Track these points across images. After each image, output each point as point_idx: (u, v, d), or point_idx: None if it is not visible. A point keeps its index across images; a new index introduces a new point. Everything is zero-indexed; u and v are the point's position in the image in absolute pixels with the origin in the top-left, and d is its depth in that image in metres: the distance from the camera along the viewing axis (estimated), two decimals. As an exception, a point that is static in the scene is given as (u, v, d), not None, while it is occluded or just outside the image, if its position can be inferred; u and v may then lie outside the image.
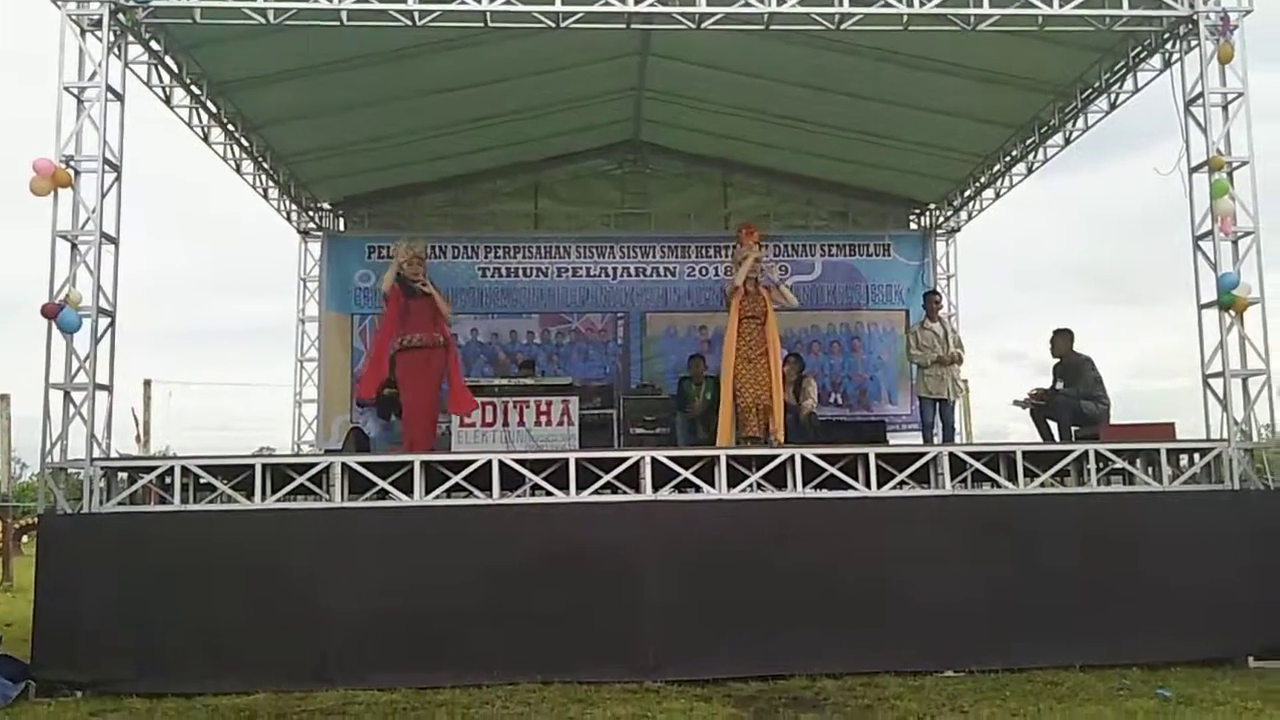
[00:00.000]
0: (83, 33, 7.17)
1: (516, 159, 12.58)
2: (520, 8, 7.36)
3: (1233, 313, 7.33)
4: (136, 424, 17.97)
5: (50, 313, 6.83)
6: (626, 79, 11.01)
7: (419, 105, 10.45)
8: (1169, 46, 8.12)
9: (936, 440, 10.37)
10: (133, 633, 6.53)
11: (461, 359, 12.01)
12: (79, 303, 6.93)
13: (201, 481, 7.04)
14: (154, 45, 8.17)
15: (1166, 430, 7.64)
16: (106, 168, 7.14)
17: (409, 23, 7.39)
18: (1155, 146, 8.55)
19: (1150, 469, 7.41)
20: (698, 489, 7.09)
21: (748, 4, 7.45)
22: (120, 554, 6.67)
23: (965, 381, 10.46)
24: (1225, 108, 7.54)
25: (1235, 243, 7.42)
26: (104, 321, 7.10)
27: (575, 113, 11.52)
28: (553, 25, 7.49)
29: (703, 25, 7.58)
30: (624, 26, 7.73)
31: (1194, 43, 7.63)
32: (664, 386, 11.81)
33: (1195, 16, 7.54)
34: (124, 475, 7.11)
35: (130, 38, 7.53)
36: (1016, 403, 9.47)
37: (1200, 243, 7.56)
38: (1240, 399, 7.34)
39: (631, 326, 12.74)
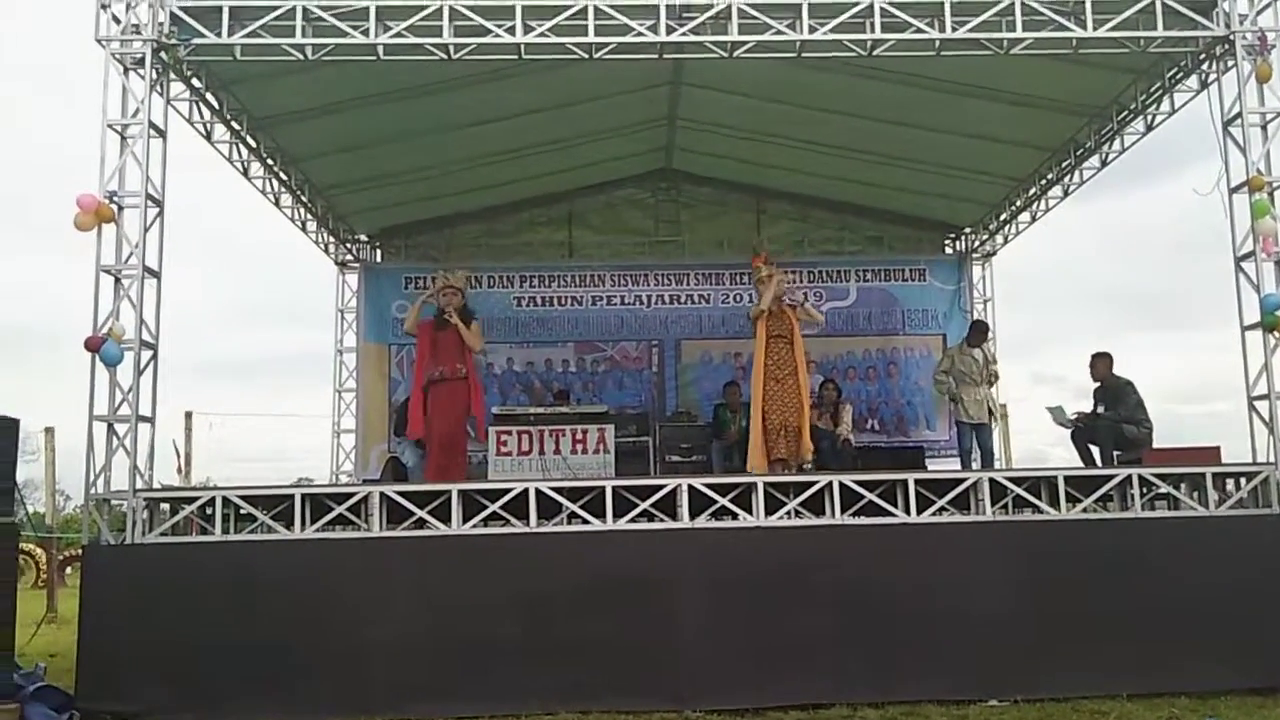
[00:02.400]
0: (126, 70, 7.32)
1: (550, 189, 12.68)
2: (554, 40, 7.44)
3: (1277, 334, 7.22)
4: (178, 455, 18.16)
5: (93, 346, 6.93)
6: (659, 108, 11.07)
7: (454, 138, 10.57)
8: (1205, 67, 8.06)
9: (975, 465, 10.27)
10: (175, 663, 6.57)
11: (498, 388, 12.16)
12: (122, 336, 7.02)
13: (242, 512, 7.09)
14: (195, 82, 8.31)
15: (1211, 454, 7.51)
16: (149, 203, 7.25)
17: (444, 57, 7.48)
18: (1194, 168, 8.47)
19: (1195, 494, 7.29)
20: (735, 516, 7.06)
21: (779, 32, 7.48)
22: (163, 585, 6.72)
23: (1004, 406, 10.34)
24: (1264, 127, 7.46)
25: (1277, 263, 7.32)
26: (146, 354, 7.19)
27: (608, 142, 11.61)
28: (586, 56, 7.56)
29: (735, 54, 7.62)
30: (656, 56, 7.79)
31: (1230, 63, 7.56)
32: (699, 414, 11.79)
33: (1231, 36, 7.48)
34: (166, 506, 7.17)
35: (172, 75, 7.67)
36: (1051, 412, 9.36)
37: (1242, 264, 7.47)
38: (1286, 422, 7.22)
39: (666, 354, 12.76)
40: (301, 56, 7.46)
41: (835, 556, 6.90)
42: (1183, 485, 7.31)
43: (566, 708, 6.44)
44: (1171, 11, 7.53)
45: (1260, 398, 7.30)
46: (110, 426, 7.00)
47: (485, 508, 6.99)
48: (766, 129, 11.10)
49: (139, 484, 6.96)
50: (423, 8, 7.32)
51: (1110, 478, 7.39)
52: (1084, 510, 7.20)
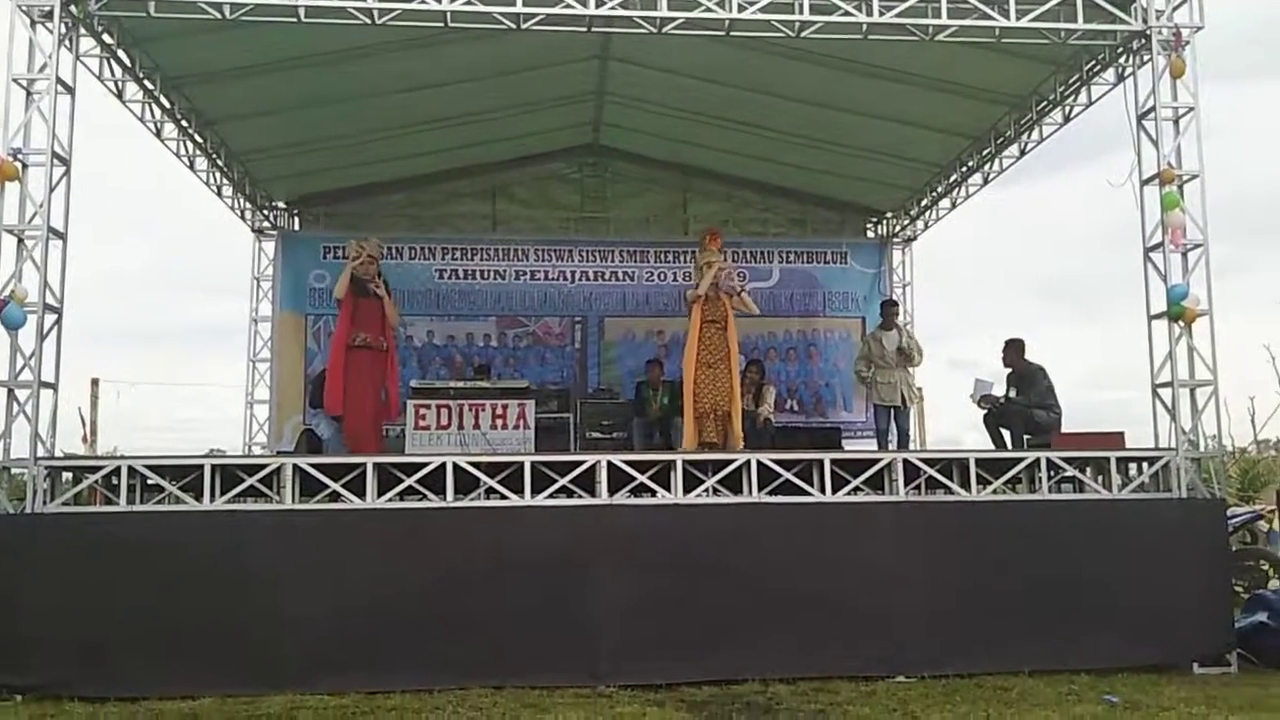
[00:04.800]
0: (33, 24, 7.03)
1: (475, 160, 12.53)
2: (481, 8, 7.32)
3: (1182, 324, 7.44)
4: (83, 424, 17.64)
5: (-6, 308, 6.69)
6: (587, 83, 10.99)
7: (377, 104, 10.36)
8: (1122, 61, 8.24)
9: (891, 447, 10.43)
10: (76, 635, 6.39)
11: (418, 361, 12.02)
12: (24, 298, 6.79)
13: (149, 482, 6.92)
14: (106, 38, 8.03)
15: (1116, 439, 7.73)
16: (55, 161, 7.00)
17: (368, 21, 7.32)
18: (1108, 159, 8.67)
19: (1100, 477, 7.49)
20: (654, 493, 7.08)
21: (708, 10, 7.47)
22: (64, 555, 6.53)
23: (919, 389, 10.49)
24: (1176, 122, 7.65)
25: (1185, 255, 7.53)
26: (50, 318, 6.96)
27: (535, 115, 11.49)
28: (513, 27, 7.46)
29: (663, 29, 7.59)
30: (585, 30, 7.72)
31: (1147, 57, 7.74)
32: (621, 391, 11.79)
33: (1148, 31, 7.65)
34: (69, 475, 6.98)
35: (82, 30, 7.40)
36: (973, 399, 9.54)
37: (1151, 254, 7.67)
38: (1188, 409, 7.45)
39: (589, 330, 12.74)
40: (219, 16, 7.23)
41: (752, 534, 6.97)
42: (1088, 469, 7.51)
43: (480, 683, 6.41)
44: (1091, 5, 7.68)
45: (1164, 385, 7.52)
46: (11, 392, 6.77)
47: (401, 481, 6.92)
48: (694, 107, 11.09)
49: (40, 452, 6.75)
50: (346, -30, 7.16)
51: (1020, 461, 7.57)
52: (994, 492, 7.36)
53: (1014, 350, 9.57)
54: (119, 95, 8.89)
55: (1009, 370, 9.56)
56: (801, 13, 7.49)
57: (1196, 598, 7.03)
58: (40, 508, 6.66)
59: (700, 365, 8.62)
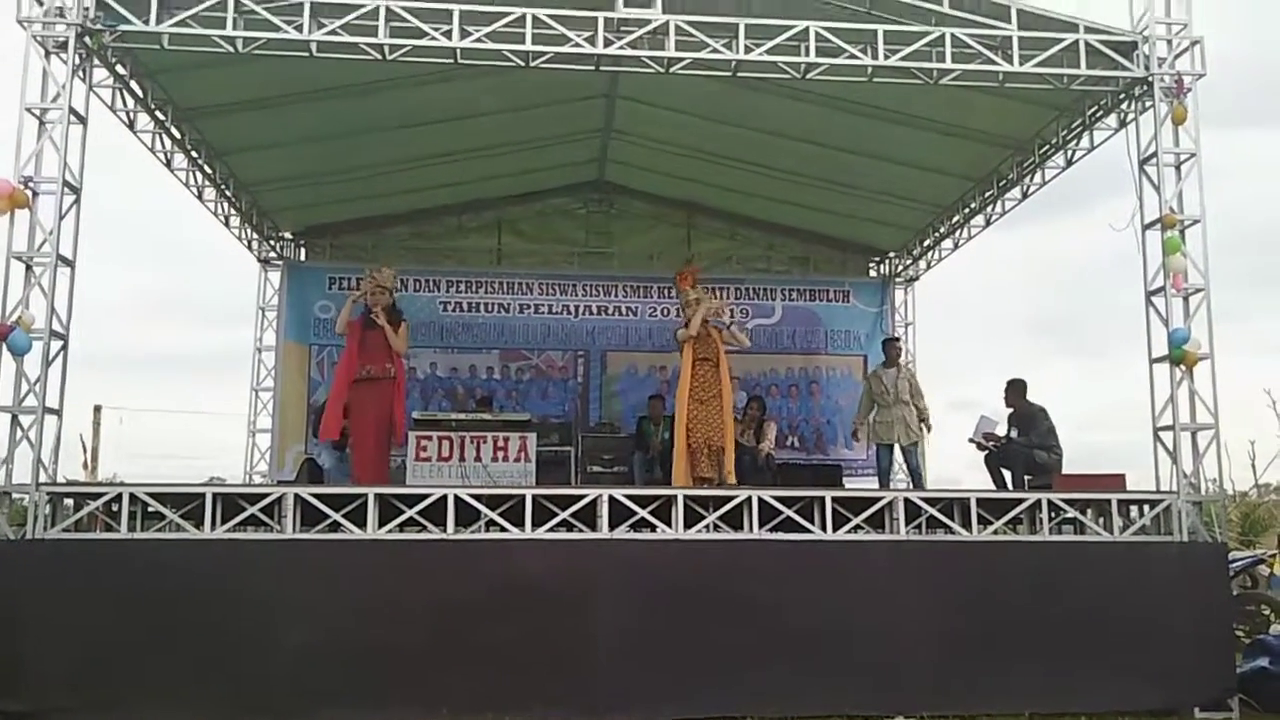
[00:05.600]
0: (48, 54, 7.12)
1: (481, 195, 12.61)
2: (490, 46, 7.41)
3: (1183, 367, 7.46)
4: (84, 450, 17.69)
5: (1, 334, 6.72)
6: (594, 120, 11.09)
7: (385, 138, 10.46)
8: (1124, 106, 8.31)
9: (898, 486, 10.41)
10: (75, 662, 6.38)
11: (420, 393, 12.03)
12: (31, 325, 6.83)
13: (150, 510, 6.91)
14: (119, 69, 8.13)
15: (1117, 481, 7.73)
16: (66, 190, 7.07)
17: (379, 57, 7.41)
18: (1110, 203, 8.73)
19: (1101, 519, 7.49)
20: (654, 528, 7.08)
21: (716, 50, 7.56)
22: (64, 582, 6.53)
23: (923, 425, 10.41)
24: (1178, 167, 7.72)
25: (1186, 299, 7.57)
26: (56, 345, 6.99)
27: (542, 151, 11.59)
28: (522, 65, 7.54)
29: (671, 70, 7.68)
30: (593, 68, 7.81)
31: (1149, 103, 7.82)
32: (622, 425, 11.79)
33: (1150, 78, 7.73)
34: (70, 501, 6.97)
35: (95, 61, 7.48)
36: (972, 441, 9.53)
37: (1153, 298, 7.71)
38: (1189, 452, 7.46)
39: (591, 365, 12.76)
40: (232, 49, 7.32)
41: (752, 571, 6.96)
42: (1089, 511, 7.51)
43: (477, 716, 6.39)
44: (1094, 52, 7.78)
45: (1165, 428, 7.54)
46: (14, 418, 6.80)
47: (402, 513, 6.92)
48: (700, 146, 11.19)
49: (43, 478, 6.76)
50: (359, 6, 7.24)
51: (1021, 501, 7.56)
52: (994, 532, 7.36)
53: (1016, 391, 9.59)
54: (130, 126, 8.98)
55: (1010, 410, 9.57)
56: (807, 55, 7.58)
57: (1197, 642, 7.00)
58: (41, 533, 6.66)
59: (693, 401, 8.62)
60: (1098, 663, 6.91)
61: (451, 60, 7.53)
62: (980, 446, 9.44)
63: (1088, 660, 6.91)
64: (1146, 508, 7.47)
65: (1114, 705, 6.76)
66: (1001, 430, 9.47)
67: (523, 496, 7.04)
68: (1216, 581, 7.30)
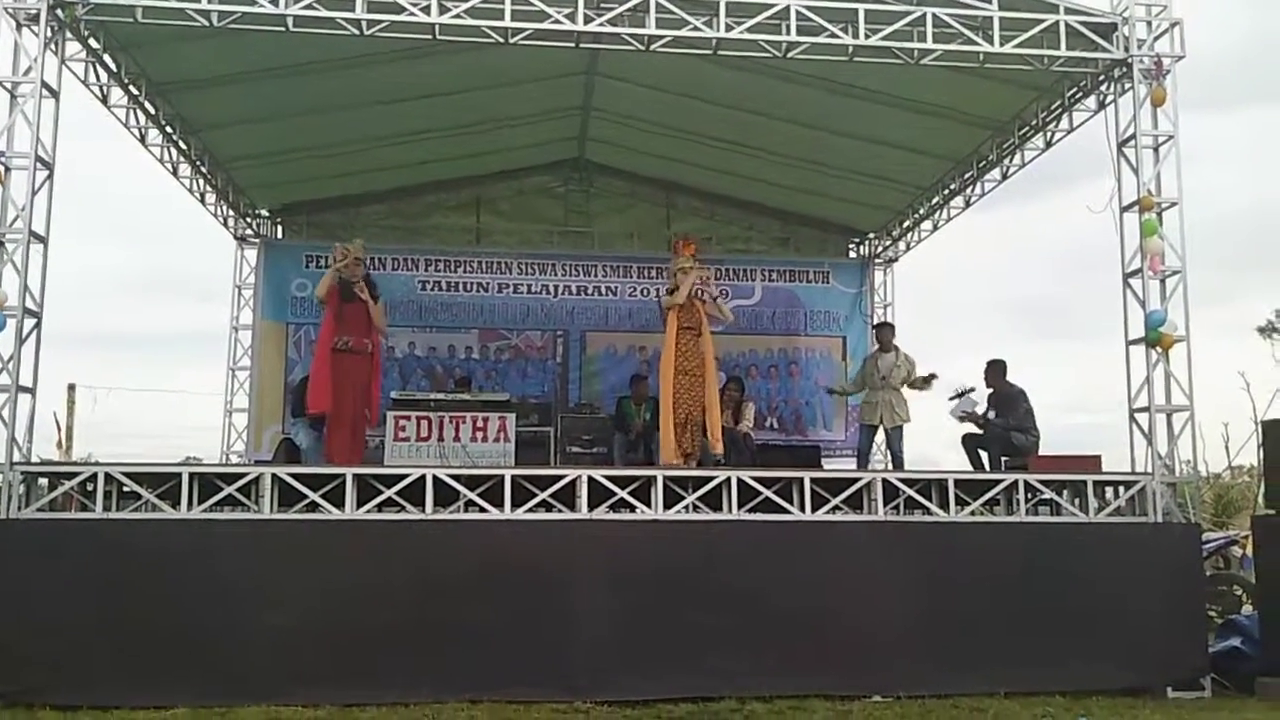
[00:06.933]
0: (19, 26, 7.02)
1: (460, 173, 12.54)
2: (469, 22, 7.35)
3: (1159, 349, 7.51)
4: (58, 429, 17.53)
5: (-27, 312, 6.64)
6: (573, 97, 11.03)
7: (363, 115, 10.36)
8: (1104, 88, 8.33)
9: (874, 467, 10.43)
10: (48, 642, 6.33)
11: (399, 372, 11.97)
12: (4, 302, 6.74)
13: (125, 490, 6.85)
14: (92, 43, 8.00)
15: (1093, 463, 7.79)
16: (38, 165, 6.97)
17: (356, 32, 7.34)
18: (1088, 185, 8.76)
19: (1077, 500, 7.55)
20: (633, 509, 7.08)
21: (696, 28, 7.52)
22: (38, 561, 6.48)
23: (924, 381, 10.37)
24: (1156, 149, 7.75)
25: (1163, 281, 7.61)
26: (29, 322, 6.91)
27: (521, 129, 11.52)
28: (501, 41, 7.49)
29: (651, 48, 7.64)
30: (573, 45, 7.76)
31: (1128, 85, 7.85)
32: (602, 406, 11.77)
33: (1130, 60, 7.75)
34: (44, 481, 6.92)
35: (68, 34, 7.38)
36: (953, 414, 9.53)
37: (1130, 280, 7.75)
38: (1164, 434, 7.52)
39: (571, 345, 12.73)
40: (207, 22, 7.23)
41: (730, 552, 6.98)
42: (1065, 492, 7.56)
43: (456, 697, 6.39)
44: (1074, 33, 7.78)
45: (1141, 410, 7.59)
46: (-12, 396, 6.72)
47: (381, 493, 6.89)
48: (680, 125, 11.15)
49: (16, 457, 6.69)
50: (336, -20, 7.18)
51: (998, 482, 7.61)
52: (972, 513, 7.40)
53: (996, 371, 9.62)
54: (104, 100, 8.85)
55: (990, 391, 9.60)
56: (788, 34, 7.55)
57: (1171, 621, 7.08)
58: (15, 513, 6.61)
59: (678, 372, 8.64)
60: (1073, 642, 6.96)
61: (430, 36, 7.47)
62: (962, 419, 9.46)
63: (1063, 640, 6.97)
64: (1122, 489, 7.53)
65: (1089, 684, 6.82)
66: (981, 409, 9.50)
67: (502, 477, 7.03)
68: (1190, 562, 7.38)
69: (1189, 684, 7.03)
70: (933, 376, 10.15)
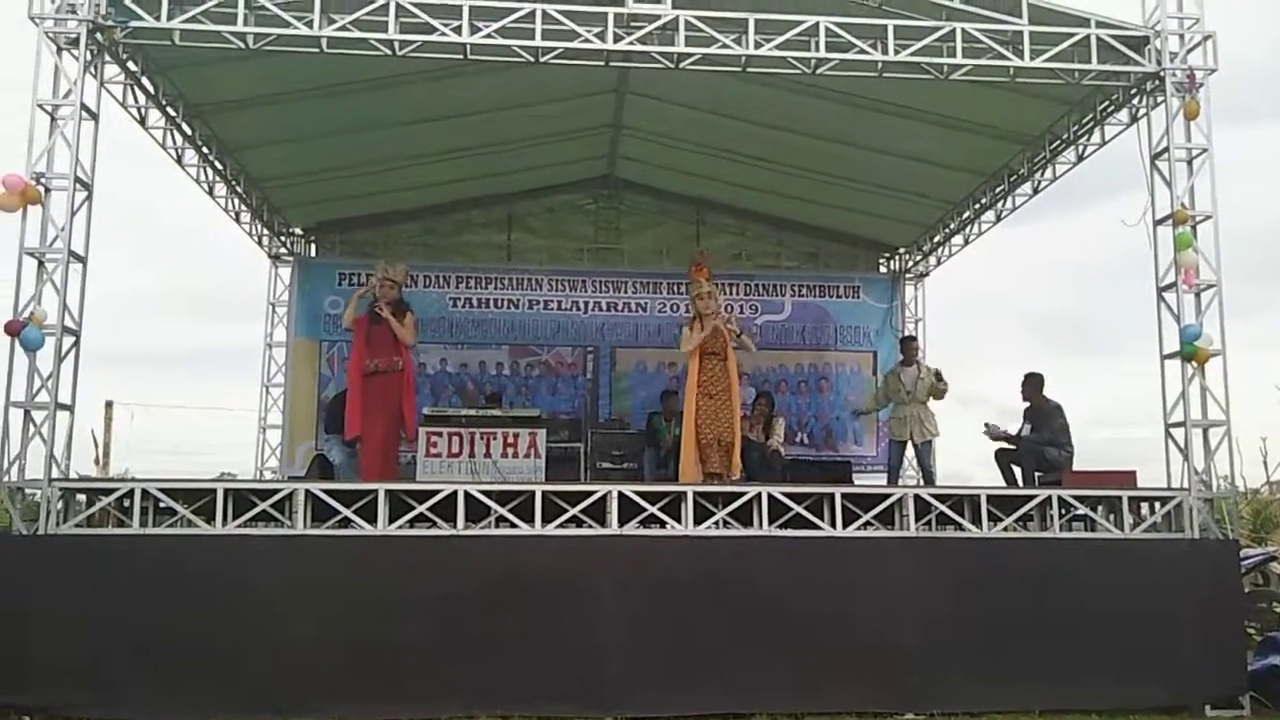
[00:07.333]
0: (59, 50, 7.15)
1: (491, 191, 12.61)
2: (500, 42, 7.42)
3: (1194, 364, 7.44)
4: (96, 445, 17.74)
5: (13, 330, 6.75)
6: (604, 115, 11.09)
7: (396, 134, 10.47)
8: (1136, 101, 8.27)
9: (905, 483, 10.38)
10: (86, 657, 6.41)
11: (430, 389, 12.04)
12: (43, 321, 6.85)
13: (161, 505, 6.93)
14: (131, 65, 8.14)
15: (1128, 478, 7.71)
16: (78, 186, 7.09)
17: (389, 52, 7.42)
18: (1121, 199, 8.69)
19: (1111, 516, 7.47)
20: (664, 525, 7.08)
21: (725, 46, 7.55)
22: (76, 577, 6.56)
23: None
24: (1190, 163, 7.69)
25: (1198, 295, 7.54)
26: (68, 341, 7.02)
27: (551, 147, 11.58)
28: (532, 60, 7.54)
29: (681, 65, 7.67)
30: (603, 64, 7.81)
31: (1160, 98, 7.79)
32: (632, 421, 11.80)
33: (1162, 73, 7.70)
34: (82, 497, 7.00)
35: (107, 57, 7.49)
36: (987, 427, 9.51)
37: (1164, 294, 7.68)
38: (1201, 449, 7.43)
39: (601, 361, 12.76)
40: (243, 45, 7.35)
41: (761, 567, 6.96)
42: (1100, 508, 7.49)
43: (487, 711, 6.41)
44: (1106, 47, 7.75)
45: (1176, 425, 7.51)
46: (27, 413, 6.82)
47: (412, 508, 6.93)
48: (710, 141, 11.17)
49: (55, 473, 6.78)
50: (369, 2, 7.25)
51: (1031, 498, 7.55)
52: (1004, 529, 7.34)
53: (1032, 385, 9.54)
54: (142, 122, 9.02)
55: (1026, 405, 9.53)
56: (817, 50, 7.56)
57: (1208, 639, 6.99)
58: (54, 529, 6.69)
59: (701, 396, 8.62)
60: (1108, 660, 6.89)
61: (461, 56, 7.54)
62: (993, 437, 9.42)
63: (1098, 657, 6.89)
64: (1157, 505, 7.44)
65: (1125, 703, 6.75)
66: (1014, 428, 9.45)
67: (532, 492, 7.05)
68: (1228, 579, 7.28)
69: (1227, 702, 6.94)
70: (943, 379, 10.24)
